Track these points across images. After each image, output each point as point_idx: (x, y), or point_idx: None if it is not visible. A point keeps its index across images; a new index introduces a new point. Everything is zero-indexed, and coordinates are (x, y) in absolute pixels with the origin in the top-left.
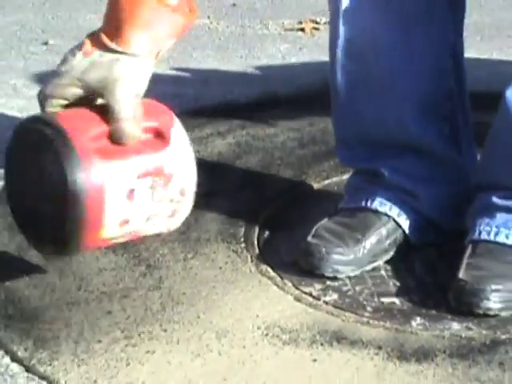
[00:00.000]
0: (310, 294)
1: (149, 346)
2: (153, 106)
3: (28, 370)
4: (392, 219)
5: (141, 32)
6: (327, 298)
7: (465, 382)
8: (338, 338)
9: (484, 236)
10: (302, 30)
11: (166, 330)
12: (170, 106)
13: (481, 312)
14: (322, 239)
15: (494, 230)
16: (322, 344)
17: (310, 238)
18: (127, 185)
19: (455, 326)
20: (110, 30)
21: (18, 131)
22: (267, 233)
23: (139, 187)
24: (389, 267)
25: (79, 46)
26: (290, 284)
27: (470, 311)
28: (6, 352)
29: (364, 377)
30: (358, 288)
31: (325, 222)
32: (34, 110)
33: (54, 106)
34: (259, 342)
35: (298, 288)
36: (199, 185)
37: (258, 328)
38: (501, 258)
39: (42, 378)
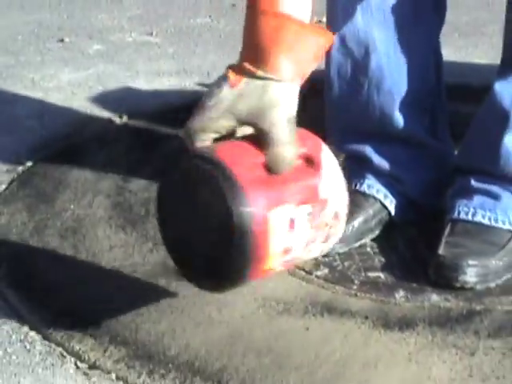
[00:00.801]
0: (303, 269)
1: (155, 316)
2: (300, 133)
3: (45, 337)
4: (379, 201)
5: (286, 56)
6: (318, 273)
7: (443, 349)
8: (329, 309)
9: (462, 216)
10: None
11: (170, 302)
12: (176, 98)
13: (458, 285)
14: None
15: (472, 210)
16: (313, 314)
17: None
18: (288, 214)
19: (435, 297)
20: (254, 58)
21: (175, 168)
22: None
23: (299, 215)
24: (374, 245)
25: (223, 78)
26: None
27: (448, 284)
28: (26, 321)
29: (352, 344)
30: (346, 263)
31: None
32: (50, 100)
33: (204, 140)
34: (256, 313)
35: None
36: None
37: (256, 300)
38: (477, 236)
39: (58, 344)
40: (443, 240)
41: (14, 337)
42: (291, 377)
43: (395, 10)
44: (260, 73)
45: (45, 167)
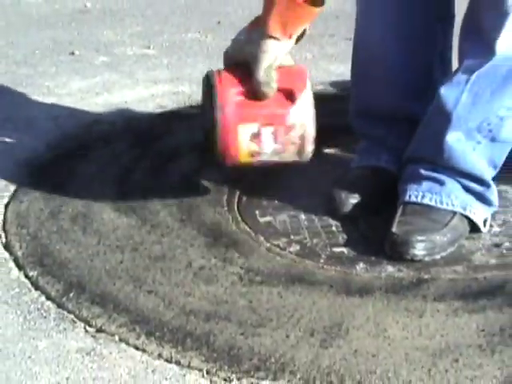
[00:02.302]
0: (278, 246)
1: (152, 287)
2: (294, 72)
3: (59, 306)
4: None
5: (276, 21)
6: (291, 249)
7: (396, 312)
8: (300, 280)
9: (413, 199)
10: None
11: (165, 275)
12: (170, 102)
13: (409, 258)
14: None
15: (421, 194)
16: (286, 283)
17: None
18: (253, 129)
19: (390, 268)
20: (261, 20)
21: (206, 77)
22: (244, 198)
23: (264, 132)
24: (339, 224)
25: (245, 28)
26: (262, 238)
27: (400, 257)
28: (42, 292)
29: (319, 308)
30: (314, 241)
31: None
32: (63, 104)
33: (228, 65)
34: (238, 283)
35: (268, 241)
36: (192, 162)
37: (237, 273)
38: (425, 216)
39: (70, 312)
40: (396, 219)
41: (32, 306)
42: (268, 337)
43: (406, 22)
44: (259, 29)
45: (58, 161)
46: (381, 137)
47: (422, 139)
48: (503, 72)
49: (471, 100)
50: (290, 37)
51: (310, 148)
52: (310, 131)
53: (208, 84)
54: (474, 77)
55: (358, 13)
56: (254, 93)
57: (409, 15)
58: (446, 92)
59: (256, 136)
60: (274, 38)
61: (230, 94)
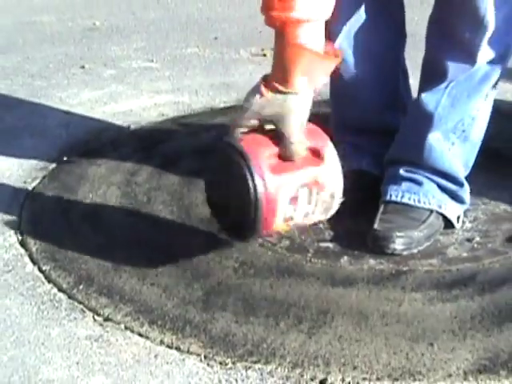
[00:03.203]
0: (269, 242)
1: (154, 280)
2: (312, 130)
3: (70, 297)
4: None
5: (301, 76)
6: (281, 244)
7: (377, 301)
8: (289, 272)
9: (393, 198)
10: (264, 55)
11: (166, 269)
12: (171, 110)
13: (389, 252)
14: None
15: (400, 194)
16: (277, 276)
17: None
18: (292, 192)
19: (371, 261)
20: (279, 77)
21: (216, 151)
22: None
23: (300, 194)
24: (325, 222)
25: (256, 89)
26: None
27: (381, 251)
28: (55, 285)
29: (307, 298)
30: (303, 237)
31: None
32: (74, 113)
33: (237, 133)
34: (232, 276)
35: (261, 237)
36: (191, 164)
37: (232, 266)
38: (404, 214)
39: (79, 302)
40: (378, 217)
41: (45, 297)
42: (260, 325)
43: (375, 42)
44: (282, 88)
45: (69, 165)
46: (361, 145)
47: (403, 141)
48: (479, 76)
49: (450, 102)
50: (315, 89)
51: (336, 205)
52: (339, 188)
53: (226, 155)
54: (453, 83)
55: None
56: (285, 154)
57: (377, 35)
58: (427, 97)
59: (293, 199)
60: (300, 94)
61: (263, 160)
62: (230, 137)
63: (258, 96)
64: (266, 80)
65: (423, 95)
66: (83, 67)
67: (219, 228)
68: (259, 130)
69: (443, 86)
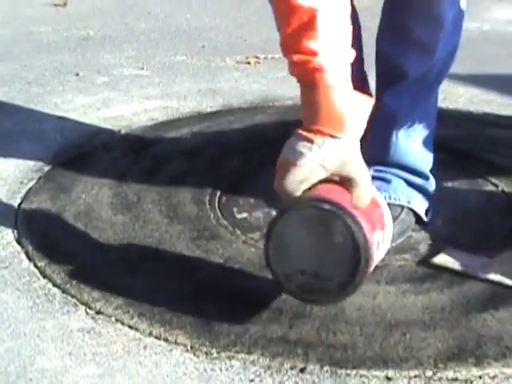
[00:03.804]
0: (252, 239)
1: (144, 276)
2: None
3: (63, 291)
4: None
5: (353, 122)
6: (263, 241)
7: (354, 294)
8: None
9: None
10: (249, 63)
11: (155, 265)
12: (161, 115)
13: None
14: None
15: None
16: (260, 271)
17: None
18: (377, 237)
19: None
20: (331, 124)
21: (290, 215)
22: (224, 198)
23: (380, 238)
24: None
25: (300, 142)
26: (239, 232)
27: None
28: (49, 280)
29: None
30: None
31: None
32: (68, 118)
33: (301, 190)
34: (218, 271)
35: (244, 235)
36: (179, 166)
37: (217, 262)
38: None
39: (73, 296)
40: None
41: (40, 292)
42: (244, 316)
43: None
44: (339, 135)
45: (64, 167)
46: None
47: (369, 143)
48: (434, 75)
49: (411, 102)
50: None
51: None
52: (391, 231)
53: (315, 216)
54: (413, 82)
55: None
56: (359, 201)
57: None
58: (389, 97)
59: (378, 245)
60: (352, 138)
61: (353, 211)
62: (300, 196)
63: (315, 147)
64: (311, 131)
65: (386, 97)
66: (77, 74)
67: (304, 300)
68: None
69: (404, 86)
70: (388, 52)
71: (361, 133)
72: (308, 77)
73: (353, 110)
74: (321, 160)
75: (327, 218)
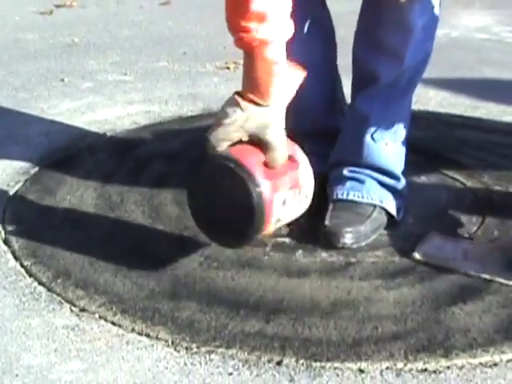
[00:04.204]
0: None
1: (126, 273)
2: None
3: (49, 290)
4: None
5: (276, 91)
6: None
7: (328, 290)
8: (249, 265)
9: (340, 197)
10: (228, 68)
11: (137, 263)
12: (143, 119)
13: (339, 245)
14: None
15: (346, 192)
16: (238, 268)
17: None
18: (283, 196)
19: (323, 254)
20: (256, 92)
21: (204, 165)
22: None
23: (288, 197)
24: None
25: (233, 104)
26: None
27: (332, 245)
28: (35, 279)
29: (265, 288)
30: None
31: None
32: (54, 122)
33: (222, 146)
34: (197, 269)
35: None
36: (160, 168)
37: (197, 260)
38: (351, 210)
39: (58, 295)
40: (328, 214)
41: (26, 290)
42: (222, 313)
43: (305, 54)
44: (261, 102)
45: (50, 170)
46: (308, 148)
47: (344, 144)
48: (405, 81)
49: (382, 106)
50: (287, 103)
51: (308, 204)
52: (311, 188)
53: (222, 167)
54: (384, 87)
55: None
56: (271, 162)
57: (311, 48)
58: (361, 102)
59: (284, 203)
60: (278, 105)
61: (257, 168)
62: (219, 151)
63: (239, 111)
64: (242, 96)
65: (358, 100)
66: (63, 80)
67: (211, 238)
68: (238, 141)
69: (375, 91)
70: (361, 58)
71: (287, 103)
72: (244, 49)
73: (280, 82)
74: (242, 122)
75: (228, 172)
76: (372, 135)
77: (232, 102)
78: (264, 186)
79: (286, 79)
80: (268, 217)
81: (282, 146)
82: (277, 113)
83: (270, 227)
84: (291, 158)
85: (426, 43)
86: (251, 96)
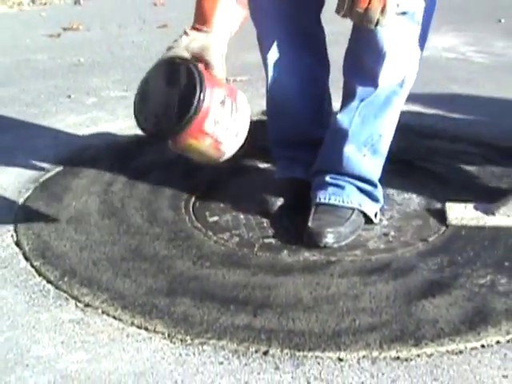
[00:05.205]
0: (223, 239)
1: (126, 272)
2: (231, 86)
3: (56, 287)
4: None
5: (218, 20)
6: (233, 241)
7: (310, 286)
8: (238, 264)
9: (322, 200)
10: None
11: (136, 263)
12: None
13: (321, 245)
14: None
15: (328, 196)
16: (228, 267)
17: (264, 193)
18: (221, 95)
19: (306, 254)
20: (200, 21)
21: (160, 64)
22: (198, 204)
23: (226, 102)
24: (268, 221)
25: (182, 34)
26: (210, 233)
27: (315, 245)
28: (44, 278)
29: (253, 285)
30: (250, 234)
31: (271, 185)
32: (60, 135)
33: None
34: (191, 268)
35: (215, 235)
36: (158, 176)
37: (191, 259)
38: (332, 213)
39: (64, 292)
40: (311, 216)
41: (36, 288)
42: (214, 308)
43: (297, 69)
44: (204, 28)
45: (56, 178)
46: (294, 156)
47: (325, 154)
48: (382, 100)
49: (361, 121)
50: (230, 33)
51: (240, 143)
52: (245, 130)
53: (173, 62)
54: (362, 104)
55: (265, 65)
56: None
57: (299, 61)
58: (342, 116)
59: (222, 103)
60: (217, 33)
61: (202, 71)
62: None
63: (184, 36)
64: (191, 26)
65: (339, 115)
66: (69, 96)
67: (146, 129)
68: None
69: (354, 107)
70: (346, 74)
71: (229, 31)
72: None
73: (222, 14)
74: (187, 44)
75: (176, 67)
76: (351, 147)
77: (182, 34)
78: (205, 76)
79: (229, 12)
80: (207, 108)
81: (221, 68)
82: (217, 38)
83: (208, 126)
84: (229, 86)
85: (403, 68)
86: (196, 25)
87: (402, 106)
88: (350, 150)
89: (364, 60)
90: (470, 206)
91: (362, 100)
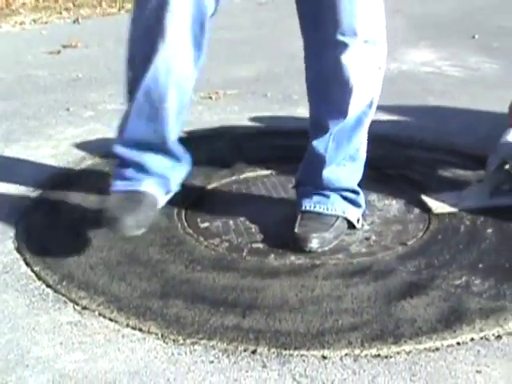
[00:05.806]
0: (213, 244)
1: (122, 276)
2: None
3: (55, 291)
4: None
5: None
6: (223, 246)
7: (296, 288)
8: (227, 267)
9: (308, 208)
10: (210, 97)
11: (131, 267)
12: None
13: (307, 250)
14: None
15: (313, 205)
16: (218, 271)
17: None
18: None
19: (292, 257)
20: None
21: None
22: (189, 211)
23: None
24: (257, 227)
25: None
26: (201, 239)
27: (301, 249)
28: (43, 282)
29: (241, 288)
30: (239, 239)
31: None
32: (60, 146)
33: None
34: (184, 272)
35: (206, 241)
36: None
37: (183, 263)
38: (317, 220)
39: (63, 295)
40: (297, 223)
41: (36, 292)
42: (204, 309)
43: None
44: None
45: (56, 187)
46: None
47: (306, 174)
48: (353, 124)
49: (335, 146)
50: None
51: None
52: None
53: None
54: (334, 131)
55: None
56: None
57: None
58: (317, 143)
59: None
60: None
61: None
62: None
63: None
64: None
65: (314, 142)
66: (68, 110)
67: None
68: None
69: (327, 136)
70: (313, 107)
71: None
72: None
73: None
74: None
75: None
76: (329, 169)
77: None
78: None
79: None
80: None
81: None
82: None
83: None
84: None
85: (370, 93)
86: None
87: (372, 116)
88: (328, 172)
89: (332, 95)
90: (445, 195)
91: (333, 130)
